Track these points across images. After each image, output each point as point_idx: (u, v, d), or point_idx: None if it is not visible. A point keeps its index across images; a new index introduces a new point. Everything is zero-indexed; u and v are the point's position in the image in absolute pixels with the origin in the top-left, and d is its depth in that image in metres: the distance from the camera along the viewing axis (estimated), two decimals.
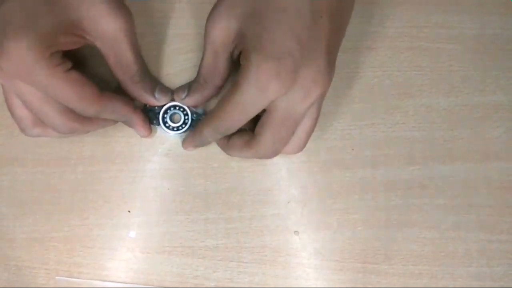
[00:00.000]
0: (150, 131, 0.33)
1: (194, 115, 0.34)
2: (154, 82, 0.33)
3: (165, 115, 0.34)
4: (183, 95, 0.33)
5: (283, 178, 0.35)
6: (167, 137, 0.35)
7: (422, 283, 0.35)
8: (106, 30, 0.29)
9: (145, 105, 0.34)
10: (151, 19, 0.36)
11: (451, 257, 0.35)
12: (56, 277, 0.35)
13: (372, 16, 0.36)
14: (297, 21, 0.27)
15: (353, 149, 0.36)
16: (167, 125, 0.34)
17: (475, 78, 0.36)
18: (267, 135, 0.30)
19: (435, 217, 0.35)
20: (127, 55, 0.30)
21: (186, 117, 0.34)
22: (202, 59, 0.32)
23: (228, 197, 0.35)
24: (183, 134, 0.34)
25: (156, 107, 0.34)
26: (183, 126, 0.34)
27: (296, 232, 0.35)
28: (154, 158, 0.35)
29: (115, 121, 0.33)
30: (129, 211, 0.35)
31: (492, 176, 0.36)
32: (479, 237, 0.35)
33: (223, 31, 0.29)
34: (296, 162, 0.36)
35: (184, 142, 0.34)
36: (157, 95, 0.32)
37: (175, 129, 0.34)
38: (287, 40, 0.27)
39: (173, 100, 0.34)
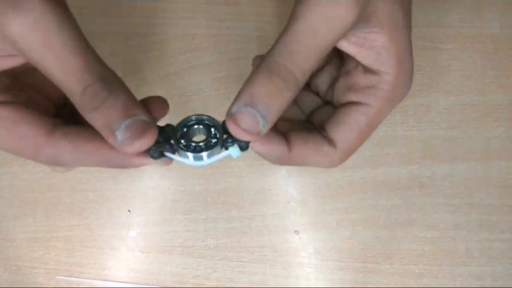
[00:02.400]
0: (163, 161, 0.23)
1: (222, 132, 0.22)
2: (121, 111, 0.20)
3: (181, 139, 0.22)
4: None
5: (282, 177, 0.35)
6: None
7: (423, 282, 0.35)
8: (7, 32, 0.19)
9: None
10: (151, 19, 0.36)
11: (451, 257, 0.35)
12: (57, 277, 0.35)
13: None
14: None
15: None
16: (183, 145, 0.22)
17: (475, 78, 0.36)
18: (355, 136, 0.24)
19: (435, 216, 0.35)
20: (53, 74, 0.20)
21: (212, 131, 0.22)
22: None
23: (228, 197, 0.35)
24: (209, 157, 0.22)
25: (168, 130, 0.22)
26: (209, 143, 0.22)
27: (296, 232, 0.35)
28: None
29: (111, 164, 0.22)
30: (129, 211, 0.35)
31: (492, 175, 0.36)
32: (480, 236, 0.35)
33: None
34: None
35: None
36: (120, 135, 0.20)
37: (196, 148, 0.22)
38: None
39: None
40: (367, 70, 0.24)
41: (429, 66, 0.36)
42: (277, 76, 0.20)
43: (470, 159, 0.36)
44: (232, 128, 0.20)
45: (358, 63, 0.24)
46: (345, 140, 0.24)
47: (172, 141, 0.22)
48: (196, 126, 0.22)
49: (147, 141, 0.20)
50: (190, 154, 0.22)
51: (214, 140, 0.22)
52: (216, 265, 0.35)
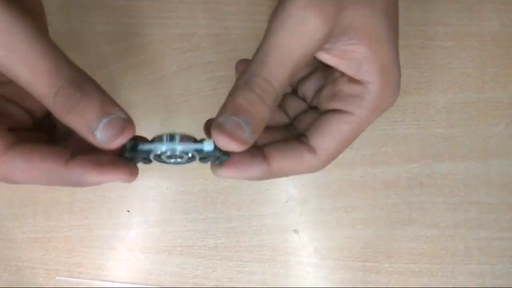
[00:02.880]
0: (130, 172, 0.21)
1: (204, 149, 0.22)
2: (98, 111, 0.20)
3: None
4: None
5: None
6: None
7: (422, 281, 0.35)
8: None
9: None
10: (150, 19, 0.36)
11: (451, 255, 0.35)
12: (56, 277, 0.35)
13: None
14: None
15: (352, 148, 0.36)
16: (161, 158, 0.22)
17: (474, 75, 0.36)
18: (336, 144, 0.24)
19: (434, 215, 0.35)
20: (23, 78, 0.19)
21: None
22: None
23: (227, 197, 0.35)
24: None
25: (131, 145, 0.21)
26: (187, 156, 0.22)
27: (295, 231, 0.35)
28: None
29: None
30: (128, 211, 0.35)
31: (492, 173, 0.36)
32: (479, 235, 0.35)
33: None
34: None
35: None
36: (99, 134, 0.20)
37: (175, 159, 0.22)
38: None
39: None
40: (352, 79, 0.24)
41: (428, 64, 0.36)
42: (257, 86, 0.21)
43: (469, 157, 0.36)
44: (219, 138, 0.21)
45: (343, 72, 0.24)
46: (326, 148, 0.24)
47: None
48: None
49: (127, 136, 0.20)
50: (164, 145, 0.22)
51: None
52: (216, 265, 0.35)
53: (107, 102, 0.20)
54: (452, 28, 0.37)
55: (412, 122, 0.36)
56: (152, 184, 0.35)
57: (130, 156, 0.21)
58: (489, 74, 0.36)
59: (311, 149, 0.24)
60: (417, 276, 0.35)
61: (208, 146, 0.21)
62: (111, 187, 0.35)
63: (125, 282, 0.35)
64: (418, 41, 0.36)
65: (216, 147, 0.21)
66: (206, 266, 0.35)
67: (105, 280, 0.35)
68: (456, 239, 0.35)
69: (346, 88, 0.24)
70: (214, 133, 0.21)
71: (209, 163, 0.23)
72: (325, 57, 0.24)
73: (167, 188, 0.35)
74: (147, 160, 0.22)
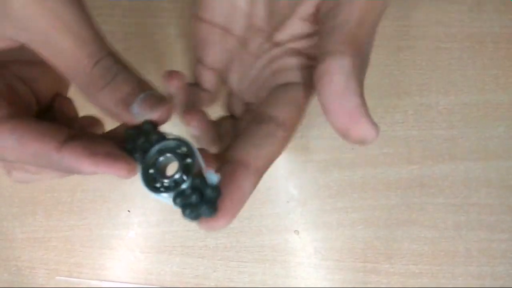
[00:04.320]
0: (128, 168, 0.19)
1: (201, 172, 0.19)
2: (134, 86, 0.19)
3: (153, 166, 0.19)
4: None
5: (282, 177, 0.35)
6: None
7: (423, 282, 0.35)
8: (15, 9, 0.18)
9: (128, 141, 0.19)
10: (152, 19, 0.36)
11: (451, 256, 0.35)
12: (56, 277, 0.35)
13: None
14: None
15: (352, 149, 0.36)
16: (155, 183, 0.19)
17: (475, 77, 0.36)
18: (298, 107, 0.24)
19: (435, 216, 0.35)
20: (63, 45, 0.19)
21: (185, 165, 0.19)
22: None
23: None
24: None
25: (138, 143, 0.19)
26: (181, 180, 0.18)
27: (296, 232, 0.35)
28: None
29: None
30: (128, 211, 0.35)
31: (492, 175, 0.36)
32: (480, 236, 0.35)
33: None
34: (296, 161, 0.35)
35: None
36: (136, 108, 0.19)
37: (167, 186, 0.19)
38: None
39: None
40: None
41: (429, 66, 0.36)
42: None
43: (470, 159, 0.36)
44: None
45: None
46: (292, 117, 0.23)
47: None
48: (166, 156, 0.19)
49: (167, 111, 0.19)
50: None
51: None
52: (216, 265, 0.35)
53: (144, 80, 0.20)
54: (453, 29, 0.37)
55: (413, 124, 0.36)
56: None
57: (130, 146, 0.19)
58: (489, 75, 0.36)
59: (280, 123, 0.23)
60: (418, 277, 0.35)
61: (213, 177, 0.19)
62: (111, 187, 0.35)
63: (125, 282, 0.35)
64: (419, 43, 0.36)
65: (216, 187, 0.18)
66: (206, 266, 0.35)
67: (105, 280, 0.35)
68: (457, 240, 0.35)
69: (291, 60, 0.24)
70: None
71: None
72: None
73: None
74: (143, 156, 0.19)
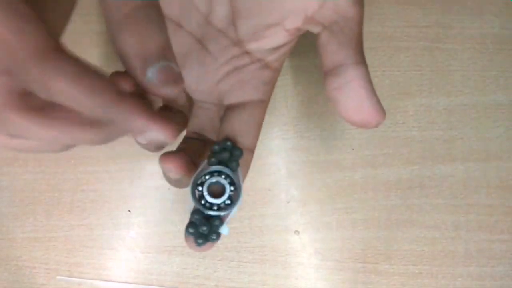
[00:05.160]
0: (175, 132, 0.18)
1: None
2: (161, 45, 0.18)
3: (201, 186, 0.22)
4: None
5: (282, 177, 0.35)
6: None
7: (422, 283, 0.35)
8: None
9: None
10: None
11: (451, 257, 0.35)
12: (57, 277, 0.35)
13: (371, 16, 0.36)
14: None
15: (353, 149, 0.36)
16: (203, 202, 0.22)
17: (475, 78, 0.36)
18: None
19: (435, 216, 0.35)
20: None
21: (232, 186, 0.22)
22: None
23: None
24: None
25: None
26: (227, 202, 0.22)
27: (296, 232, 0.35)
28: (154, 158, 0.35)
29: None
30: (129, 211, 0.35)
31: (492, 175, 0.36)
32: (479, 237, 0.35)
33: None
34: (296, 161, 0.36)
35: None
36: (150, 73, 0.18)
37: (215, 207, 0.22)
38: None
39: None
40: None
41: (429, 66, 0.36)
42: None
43: (470, 160, 0.36)
44: None
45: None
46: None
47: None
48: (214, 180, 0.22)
49: (177, 89, 0.18)
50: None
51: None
52: (216, 265, 0.35)
53: (170, 45, 0.18)
54: (453, 30, 0.37)
55: (413, 124, 0.36)
56: (153, 184, 0.35)
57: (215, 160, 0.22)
58: (489, 76, 0.36)
59: (248, 148, 0.25)
60: (417, 277, 0.35)
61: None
62: (111, 187, 0.35)
63: (125, 282, 0.35)
64: (419, 43, 0.36)
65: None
66: (206, 266, 0.35)
67: (105, 280, 0.35)
68: (456, 241, 0.35)
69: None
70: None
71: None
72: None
73: (168, 188, 0.35)
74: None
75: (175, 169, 0.23)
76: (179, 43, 0.25)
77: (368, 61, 0.36)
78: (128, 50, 0.18)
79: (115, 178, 0.35)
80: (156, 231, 0.35)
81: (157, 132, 0.18)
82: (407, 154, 0.36)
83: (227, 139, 0.23)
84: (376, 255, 0.35)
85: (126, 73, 0.19)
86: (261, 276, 0.35)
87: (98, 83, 0.16)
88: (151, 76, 0.18)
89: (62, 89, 0.16)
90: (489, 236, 0.35)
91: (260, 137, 0.35)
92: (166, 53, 0.18)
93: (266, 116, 0.36)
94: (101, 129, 0.18)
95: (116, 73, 0.19)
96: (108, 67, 0.35)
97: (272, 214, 0.35)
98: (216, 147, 0.22)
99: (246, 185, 0.35)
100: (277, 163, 0.35)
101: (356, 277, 0.35)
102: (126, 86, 0.19)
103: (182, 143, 0.26)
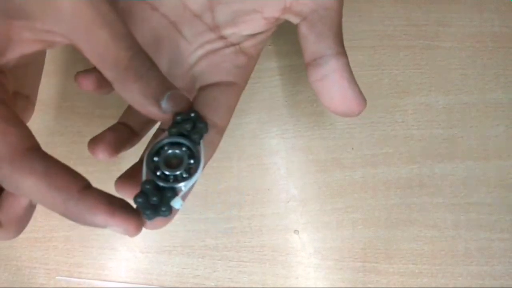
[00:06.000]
0: (138, 226, 0.20)
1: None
2: (162, 83, 0.21)
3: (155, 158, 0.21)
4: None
5: (282, 177, 0.35)
6: None
7: (422, 282, 0.35)
8: (56, 8, 0.19)
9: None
10: None
11: (451, 256, 0.35)
12: (56, 277, 0.35)
13: (371, 14, 0.36)
14: None
15: (352, 148, 0.36)
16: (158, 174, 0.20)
17: (474, 77, 0.36)
18: (230, 110, 0.27)
19: (434, 215, 0.35)
20: (102, 38, 0.19)
21: (191, 157, 0.21)
22: None
23: (228, 197, 0.35)
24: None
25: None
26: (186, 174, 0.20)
27: (296, 231, 0.35)
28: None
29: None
30: None
31: (492, 174, 0.36)
32: (479, 236, 0.35)
33: None
34: (296, 161, 0.36)
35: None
36: (164, 104, 0.20)
37: (172, 178, 0.20)
38: None
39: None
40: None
41: (429, 65, 0.36)
42: None
43: (469, 158, 0.36)
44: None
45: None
46: (224, 120, 0.25)
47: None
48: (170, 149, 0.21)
49: (187, 108, 0.21)
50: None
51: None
52: (216, 265, 0.35)
53: (167, 78, 0.21)
54: (452, 29, 0.37)
55: (413, 123, 0.36)
56: None
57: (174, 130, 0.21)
58: (489, 75, 0.36)
59: (216, 127, 0.25)
60: (417, 276, 0.35)
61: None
62: (111, 186, 0.35)
63: (125, 282, 0.35)
64: (419, 42, 0.36)
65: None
66: (206, 266, 0.35)
67: (105, 280, 0.35)
68: (456, 239, 0.35)
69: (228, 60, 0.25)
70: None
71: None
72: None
73: None
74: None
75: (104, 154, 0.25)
76: (153, 26, 0.26)
77: (368, 60, 0.36)
78: (138, 97, 0.20)
79: (115, 178, 0.35)
80: (155, 231, 0.35)
81: (117, 227, 0.19)
82: (407, 153, 0.36)
83: (193, 110, 0.21)
84: (376, 254, 0.35)
85: (87, 71, 0.22)
86: (261, 275, 0.35)
87: (63, 180, 0.19)
88: (165, 105, 0.20)
89: (30, 186, 0.18)
90: (489, 235, 0.35)
91: (260, 136, 0.36)
92: (166, 83, 0.21)
93: (266, 116, 0.36)
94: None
95: (78, 73, 0.22)
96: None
97: (272, 214, 0.35)
98: (179, 117, 0.20)
99: (246, 185, 0.35)
100: (277, 162, 0.35)
101: (356, 276, 0.35)
102: (89, 84, 0.22)
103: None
